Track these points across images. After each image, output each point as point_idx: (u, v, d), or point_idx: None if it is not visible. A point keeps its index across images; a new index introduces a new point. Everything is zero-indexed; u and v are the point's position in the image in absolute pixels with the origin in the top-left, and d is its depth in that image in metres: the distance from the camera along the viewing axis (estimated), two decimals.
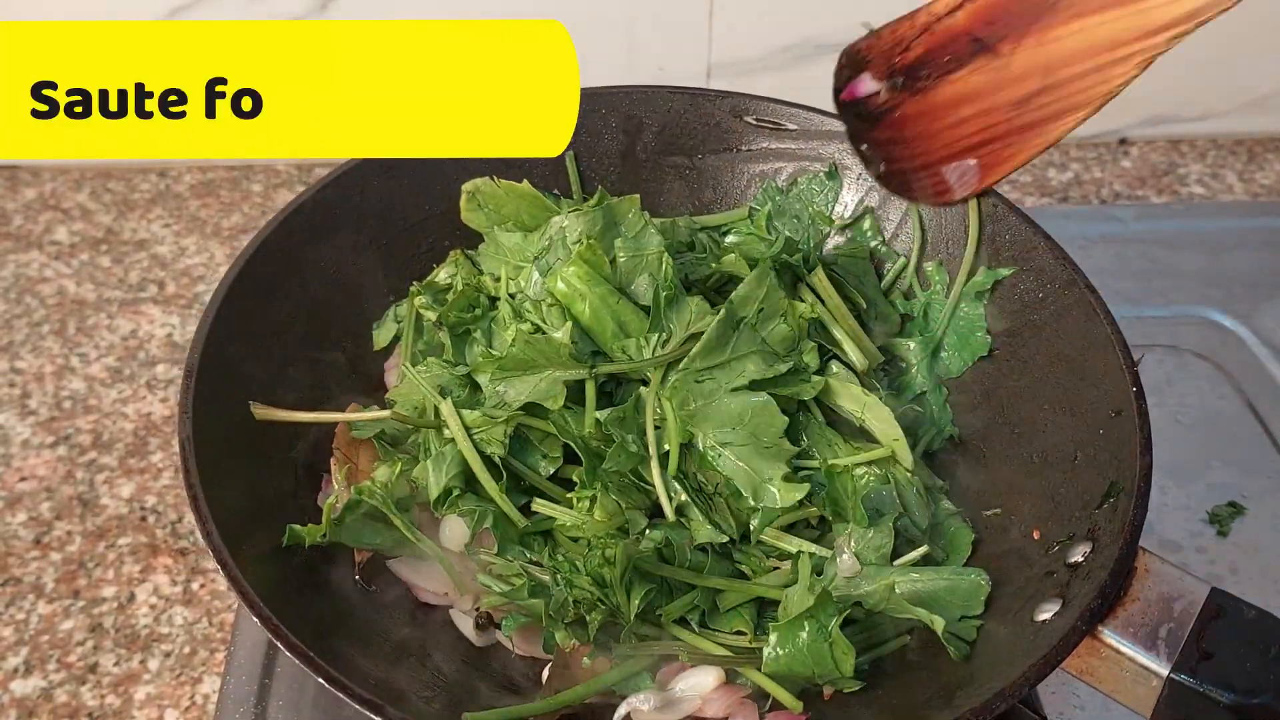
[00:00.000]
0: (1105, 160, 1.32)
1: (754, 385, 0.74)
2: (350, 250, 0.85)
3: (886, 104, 0.78)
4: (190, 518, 0.92)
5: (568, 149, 0.90)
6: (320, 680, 0.58)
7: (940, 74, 0.74)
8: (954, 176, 0.75)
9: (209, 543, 0.63)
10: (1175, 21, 0.64)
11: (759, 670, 0.67)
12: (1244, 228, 1.20)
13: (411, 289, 0.85)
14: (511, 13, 1.17)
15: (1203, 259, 1.15)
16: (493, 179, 0.88)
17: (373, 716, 0.57)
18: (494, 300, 0.82)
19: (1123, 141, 1.35)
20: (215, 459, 0.68)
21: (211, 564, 0.89)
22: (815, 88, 1.25)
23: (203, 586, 0.88)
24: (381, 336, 0.86)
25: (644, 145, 0.93)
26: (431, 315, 0.82)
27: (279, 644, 0.60)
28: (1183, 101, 1.32)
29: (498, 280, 0.82)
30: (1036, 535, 0.71)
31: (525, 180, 0.89)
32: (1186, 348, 1.05)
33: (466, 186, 0.87)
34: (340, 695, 0.58)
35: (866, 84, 0.78)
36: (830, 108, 0.91)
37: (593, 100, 0.91)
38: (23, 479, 0.96)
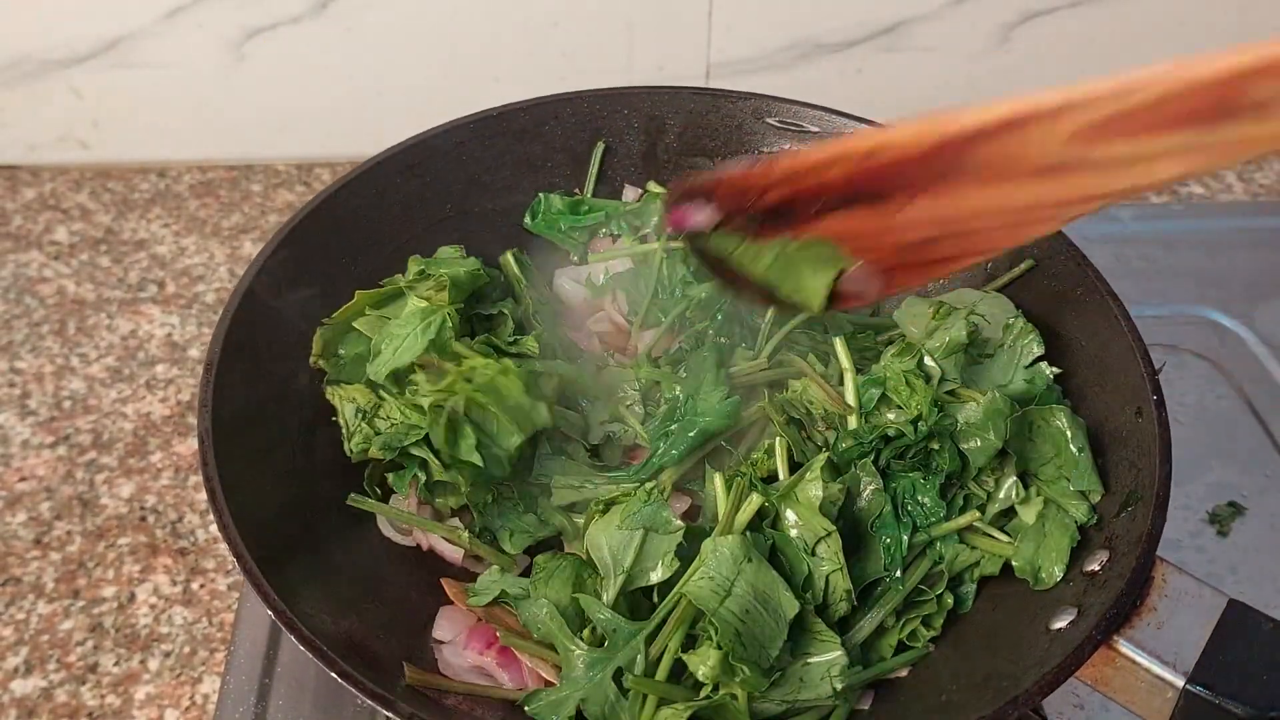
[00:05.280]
0: None
1: None
2: (369, 248, 0.85)
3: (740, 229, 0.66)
4: (190, 518, 0.93)
5: (598, 143, 0.92)
6: (360, 694, 0.58)
7: (805, 221, 0.63)
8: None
9: (225, 535, 0.63)
10: (1111, 194, 0.54)
11: None
12: (1243, 227, 1.20)
13: None
14: (511, 13, 1.18)
15: (1202, 259, 1.15)
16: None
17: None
18: None
19: None
20: (233, 454, 0.68)
21: (212, 564, 0.89)
22: (815, 87, 1.26)
23: (202, 586, 0.88)
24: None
25: (665, 146, 0.93)
26: None
27: (309, 653, 0.59)
28: None
29: None
30: None
31: (557, 196, 0.91)
32: (1185, 347, 1.05)
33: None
34: (379, 708, 0.57)
35: (709, 215, 0.66)
36: (847, 109, 0.91)
37: (615, 100, 0.91)
38: (23, 479, 0.96)
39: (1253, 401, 1.01)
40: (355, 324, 0.78)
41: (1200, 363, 1.04)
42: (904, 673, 0.70)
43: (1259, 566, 0.89)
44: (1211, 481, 0.94)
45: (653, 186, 0.93)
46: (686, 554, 0.66)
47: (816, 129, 0.91)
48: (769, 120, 0.92)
